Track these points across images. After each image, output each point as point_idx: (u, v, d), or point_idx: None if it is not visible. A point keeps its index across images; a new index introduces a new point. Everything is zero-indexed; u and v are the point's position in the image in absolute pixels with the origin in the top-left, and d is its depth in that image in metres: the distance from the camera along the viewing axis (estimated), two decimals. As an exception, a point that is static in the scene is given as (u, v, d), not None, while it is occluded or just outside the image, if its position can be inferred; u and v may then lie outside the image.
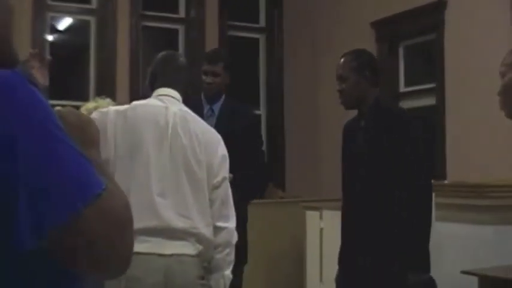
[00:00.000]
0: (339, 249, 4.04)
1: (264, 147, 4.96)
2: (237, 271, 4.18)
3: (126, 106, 3.14)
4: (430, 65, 6.34)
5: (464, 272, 4.40)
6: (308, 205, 6.32)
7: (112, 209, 1.18)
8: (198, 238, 3.01)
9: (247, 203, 4.46)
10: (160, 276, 2.90)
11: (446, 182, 5.53)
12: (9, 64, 1.30)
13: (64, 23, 7.55)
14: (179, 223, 2.97)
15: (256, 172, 4.48)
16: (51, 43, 7.12)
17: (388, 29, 6.70)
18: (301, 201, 6.54)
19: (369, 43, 6.73)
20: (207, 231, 3.04)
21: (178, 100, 3.18)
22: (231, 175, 3.26)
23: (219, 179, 3.11)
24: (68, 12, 7.36)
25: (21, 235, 1.10)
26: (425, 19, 6.30)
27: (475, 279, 4.14)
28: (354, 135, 3.97)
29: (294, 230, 6.56)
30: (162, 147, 3.01)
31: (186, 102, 3.25)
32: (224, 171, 3.15)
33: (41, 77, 3.38)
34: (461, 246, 4.87)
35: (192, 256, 2.99)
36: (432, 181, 5.46)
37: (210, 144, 3.12)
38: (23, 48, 6.94)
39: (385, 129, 3.77)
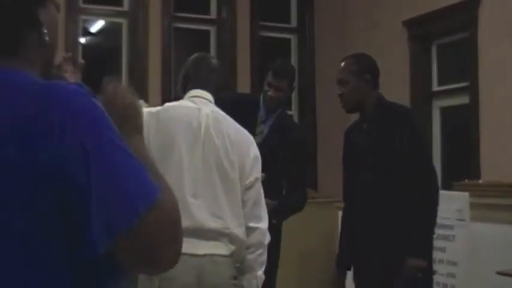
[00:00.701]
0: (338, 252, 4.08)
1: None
2: (271, 272, 4.19)
3: (158, 108, 3.15)
4: (463, 63, 6.28)
5: (499, 273, 4.36)
6: (340, 205, 6.29)
7: (167, 211, 1.28)
8: (231, 238, 3.01)
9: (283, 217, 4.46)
10: (193, 276, 2.91)
11: (480, 181, 5.48)
12: (48, 73, 1.45)
13: (96, 26, 7.61)
14: (212, 223, 2.97)
15: (297, 195, 4.50)
16: (84, 45, 7.18)
17: (421, 28, 6.66)
18: (334, 202, 6.51)
19: (401, 42, 6.70)
20: (239, 232, 3.04)
21: (210, 101, 3.19)
22: (264, 174, 3.26)
23: (251, 179, 3.11)
24: (100, 15, 7.42)
25: (94, 239, 1.21)
26: (458, 17, 6.24)
27: (510, 280, 4.10)
28: (356, 138, 3.97)
29: (326, 229, 6.54)
30: (194, 148, 3.02)
31: (218, 103, 3.26)
32: (256, 172, 3.15)
33: (74, 80, 3.42)
34: (496, 246, 4.82)
35: (225, 256, 2.99)
36: (466, 181, 5.45)
37: (243, 145, 3.13)
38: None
39: (389, 129, 3.78)
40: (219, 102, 3.26)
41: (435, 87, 6.69)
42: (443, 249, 4.89)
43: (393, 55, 6.79)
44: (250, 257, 3.11)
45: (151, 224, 1.23)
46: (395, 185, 3.70)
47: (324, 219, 6.58)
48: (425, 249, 3.70)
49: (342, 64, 3.97)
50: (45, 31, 1.41)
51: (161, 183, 1.31)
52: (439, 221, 4.60)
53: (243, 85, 7.34)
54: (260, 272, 3.15)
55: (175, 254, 1.32)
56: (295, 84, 4.54)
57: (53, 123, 1.24)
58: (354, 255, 3.92)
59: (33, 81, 1.32)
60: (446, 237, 4.95)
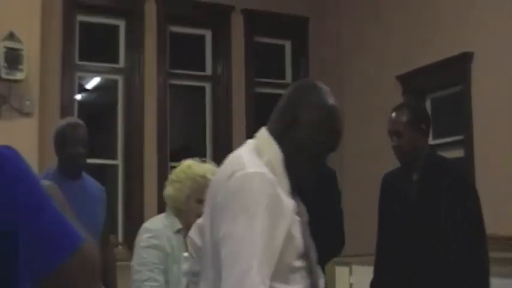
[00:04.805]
0: None
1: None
2: None
3: None
4: (457, 117, 6.31)
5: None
6: (337, 260, 6.26)
7: (88, 258, 1.44)
8: None
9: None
10: None
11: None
12: None
13: (92, 82, 7.65)
14: None
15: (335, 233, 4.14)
16: (80, 102, 7.20)
17: (415, 82, 6.70)
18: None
19: (395, 96, 6.73)
20: None
21: None
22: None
23: None
24: (96, 72, 7.47)
25: (21, 280, 1.37)
26: (451, 71, 6.28)
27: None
28: (402, 188, 3.77)
29: (323, 286, 6.47)
30: None
31: None
32: None
33: None
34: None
35: None
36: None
37: None
38: (51, 108, 6.95)
39: (444, 187, 3.56)
40: None
41: (430, 141, 6.69)
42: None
43: (388, 109, 6.81)
44: None
45: (73, 267, 1.39)
46: (444, 246, 3.49)
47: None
48: None
49: (394, 115, 3.78)
50: None
51: (87, 238, 1.47)
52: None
53: (238, 141, 7.34)
54: None
55: None
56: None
57: None
58: None
59: None
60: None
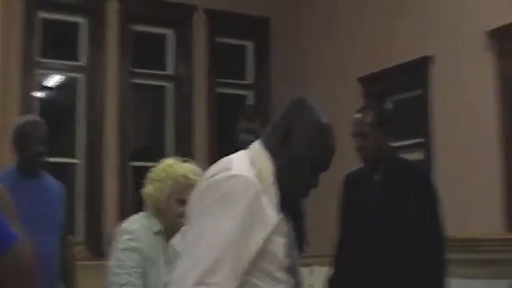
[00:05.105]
0: None
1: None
2: None
3: None
4: (417, 120, 6.36)
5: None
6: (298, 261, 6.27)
7: (22, 258, 1.44)
8: None
9: None
10: None
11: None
12: None
13: (54, 80, 7.58)
14: None
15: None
16: (40, 100, 7.13)
17: (375, 85, 6.75)
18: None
19: (356, 99, 6.77)
20: None
21: None
22: None
23: None
24: (57, 70, 7.40)
25: None
26: (412, 74, 6.34)
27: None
28: (364, 189, 3.79)
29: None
30: None
31: None
32: None
33: None
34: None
35: None
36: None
37: None
38: (12, 106, 6.87)
39: (408, 186, 3.61)
40: None
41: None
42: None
43: (349, 111, 6.84)
44: None
45: (3, 267, 1.40)
46: (402, 246, 3.54)
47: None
48: None
49: (360, 116, 3.79)
50: None
51: (21, 235, 1.46)
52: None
53: (200, 141, 7.33)
54: None
55: None
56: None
57: None
58: None
59: None
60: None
